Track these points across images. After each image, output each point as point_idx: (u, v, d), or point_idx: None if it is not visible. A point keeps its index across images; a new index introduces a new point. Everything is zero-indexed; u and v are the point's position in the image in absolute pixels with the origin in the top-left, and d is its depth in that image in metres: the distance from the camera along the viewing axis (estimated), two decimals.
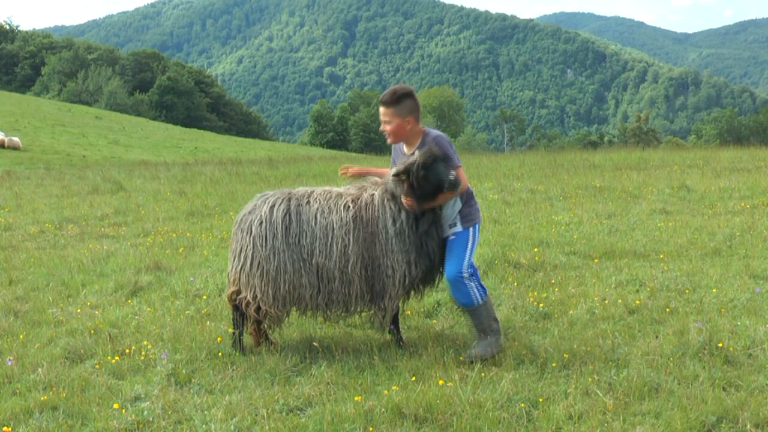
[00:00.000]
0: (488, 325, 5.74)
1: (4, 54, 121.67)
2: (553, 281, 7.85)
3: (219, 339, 6.28)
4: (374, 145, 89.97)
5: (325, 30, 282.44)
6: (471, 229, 5.72)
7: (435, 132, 5.66)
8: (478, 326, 5.76)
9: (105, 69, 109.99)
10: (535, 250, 9.24)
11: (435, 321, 6.78)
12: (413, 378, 5.33)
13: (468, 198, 5.75)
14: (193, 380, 5.50)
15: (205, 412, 4.91)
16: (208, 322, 6.81)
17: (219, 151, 53.24)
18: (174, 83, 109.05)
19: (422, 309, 7.08)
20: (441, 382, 5.19)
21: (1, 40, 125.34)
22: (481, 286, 5.75)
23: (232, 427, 4.70)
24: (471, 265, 5.70)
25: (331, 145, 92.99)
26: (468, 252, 5.67)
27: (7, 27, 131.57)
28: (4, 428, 4.79)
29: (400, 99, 5.63)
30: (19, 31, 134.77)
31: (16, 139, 43.32)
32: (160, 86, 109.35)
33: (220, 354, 5.96)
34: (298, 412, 4.92)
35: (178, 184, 19.79)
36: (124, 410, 4.99)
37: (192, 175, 22.49)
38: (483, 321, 5.74)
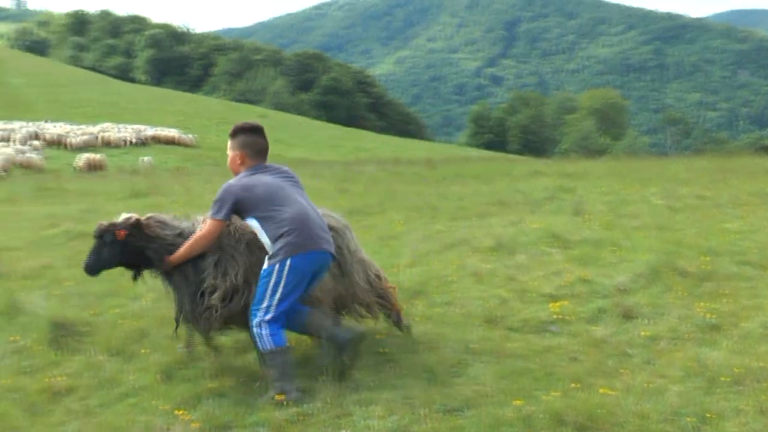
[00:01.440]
0: (281, 375, 5.26)
1: (178, 56, 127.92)
2: (723, 292, 7.52)
3: (379, 336, 6.38)
4: (533, 147, 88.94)
5: (485, 31, 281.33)
6: (276, 266, 5.28)
7: (239, 177, 5.50)
8: (270, 372, 5.33)
9: (270, 69, 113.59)
10: (704, 258, 8.87)
11: (597, 327, 6.63)
12: (574, 385, 5.24)
13: (281, 233, 5.33)
14: (353, 376, 5.61)
15: (365, 408, 4.98)
16: (368, 319, 6.92)
17: (378, 150, 54.05)
18: (336, 83, 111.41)
19: (584, 315, 6.95)
20: (603, 390, 5.07)
21: (174, 42, 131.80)
22: (279, 334, 5.29)
23: (390, 425, 4.74)
24: (277, 307, 5.26)
25: (489, 146, 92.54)
26: (268, 291, 5.27)
27: (181, 30, 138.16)
28: (177, 411, 5.03)
29: (236, 133, 5.62)
30: (191, 33, 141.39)
31: (188, 136, 45.52)
32: (322, 86, 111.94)
33: (380, 351, 6.05)
34: (456, 413, 4.92)
35: (339, 182, 20.22)
36: (287, 402, 5.15)
37: (352, 174, 22.93)
38: (276, 368, 5.27)
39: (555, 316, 6.95)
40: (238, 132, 5.68)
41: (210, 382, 5.51)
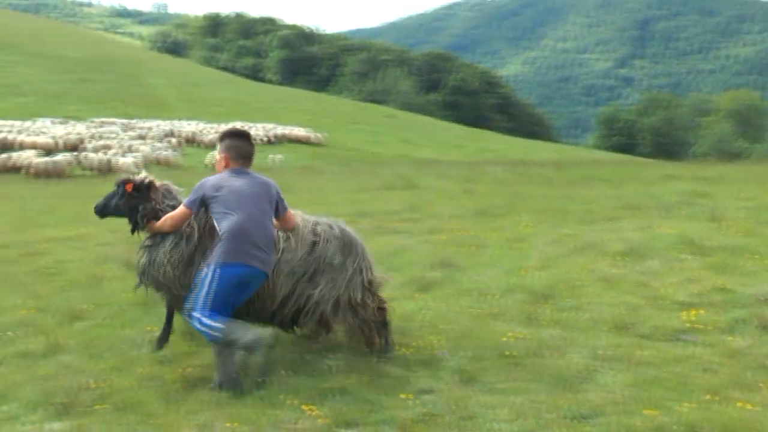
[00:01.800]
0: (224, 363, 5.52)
1: (307, 56, 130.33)
2: None
3: (505, 339, 6.33)
4: (665, 150, 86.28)
5: (617, 30, 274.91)
6: (206, 269, 5.54)
7: (216, 176, 5.91)
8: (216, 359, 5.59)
9: (397, 69, 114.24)
10: None
11: (734, 338, 6.37)
12: (709, 397, 5.05)
13: (220, 238, 5.63)
14: (479, 378, 5.58)
15: (490, 411, 4.95)
16: (494, 322, 6.89)
17: (504, 151, 53.62)
18: (463, 84, 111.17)
19: (721, 325, 6.70)
20: (741, 404, 4.87)
21: (304, 43, 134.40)
22: (209, 326, 5.43)
23: (516, 428, 4.70)
24: (210, 307, 5.48)
25: (619, 148, 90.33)
26: (202, 295, 5.49)
27: (311, 31, 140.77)
28: (304, 406, 5.13)
29: (224, 138, 6.12)
30: (321, 34, 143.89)
31: (317, 135, 46.36)
32: (449, 86, 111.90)
33: (506, 354, 6.01)
34: (584, 420, 4.82)
35: (465, 183, 20.16)
36: (412, 401, 5.17)
37: (478, 174, 22.82)
38: (220, 356, 5.52)
39: (689, 325, 6.72)
40: (225, 137, 6.15)
41: (337, 378, 5.58)
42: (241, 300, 5.76)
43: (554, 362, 5.81)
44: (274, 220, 5.96)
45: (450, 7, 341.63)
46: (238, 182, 5.83)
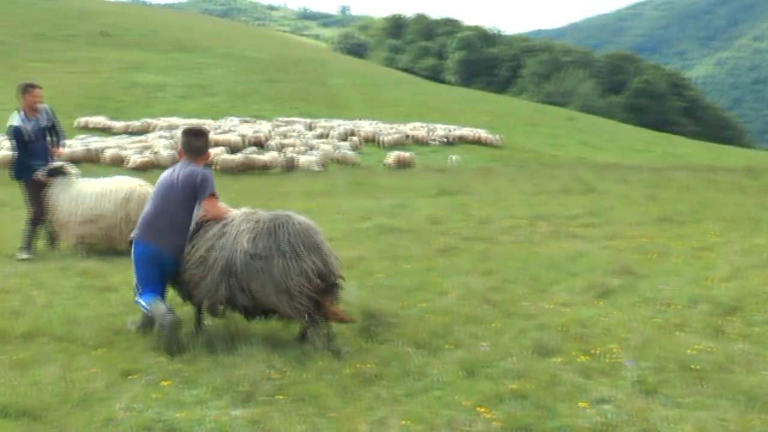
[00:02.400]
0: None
1: (487, 57, 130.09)
2: None
3: (689, 351, 6.07)
4: None
5: None
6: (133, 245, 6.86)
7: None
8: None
9: (579, 71, 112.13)
10: None
11: None
12: None
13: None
14: (660, 390, 5.38)
15: (673, 426, 4.76)
16: (678, 333, 6.62)
17: (690, 156, 51.46)
18: (648, 86, 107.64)
19: None
20: None
21: (485, 44, 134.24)
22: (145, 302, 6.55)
23: None
24: (143, 288, 6.69)
25: None
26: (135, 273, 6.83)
27: (492, 32, 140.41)
28: (479, 408, 5.11)
29: (182, 134, 7.22)
30: (502, 35, 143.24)
31: (495, 136, 46.17)
32: (633, 89, 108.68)
33: (691, 367, 5.75)
34: None
35: (648, 188, 19.52)
36: (590, 410, 5.05)
37: (663, 179, 22.03)
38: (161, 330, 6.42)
39: None
40: (182, 133, 7.24)
41: (512, 382, 5.53)
42: (160, 275, 6.72)
43: (744, 379, 5.51)
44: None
45: (635, 6, 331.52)
46: (166, 175, 6.92)
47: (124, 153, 32.27)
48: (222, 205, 6.87)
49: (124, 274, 9.40)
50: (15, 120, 11.25)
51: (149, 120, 44.66)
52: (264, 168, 31.57)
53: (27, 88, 11.30)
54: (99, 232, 11.44)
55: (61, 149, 11.85)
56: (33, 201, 11.42)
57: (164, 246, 6.64)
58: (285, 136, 40.02)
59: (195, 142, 6.97)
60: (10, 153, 31.57)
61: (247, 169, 31.05)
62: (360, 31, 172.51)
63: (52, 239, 11.97)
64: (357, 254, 10.43)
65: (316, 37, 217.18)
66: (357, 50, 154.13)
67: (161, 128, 42.07)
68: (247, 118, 47.96)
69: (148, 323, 6.72)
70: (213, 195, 6.75)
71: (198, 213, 6.82)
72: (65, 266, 10.10)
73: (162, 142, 35.89)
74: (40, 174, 11.14)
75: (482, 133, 46.72)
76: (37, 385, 5.44)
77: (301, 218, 6.59)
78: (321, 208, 16.39)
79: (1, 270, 10.01)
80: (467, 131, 46.89)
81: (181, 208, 6.69)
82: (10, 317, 7.24)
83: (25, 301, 7.98)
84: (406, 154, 34.50)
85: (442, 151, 40.21)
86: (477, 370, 5.82)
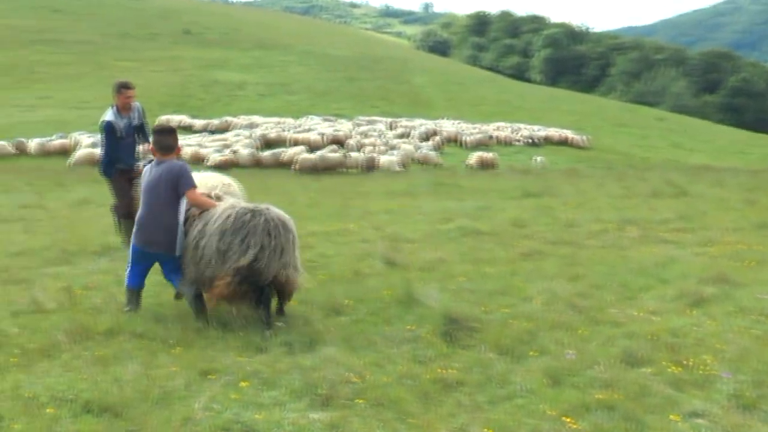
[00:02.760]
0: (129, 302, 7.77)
1: (574, 55, 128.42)
2: None
3: None
4: None
5: None
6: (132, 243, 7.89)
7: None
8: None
9: (671, 70, 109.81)
10: None
11: None
12: None
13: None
14: (759, 406, 5.21)
15: None
16: None
17: None
18: (746, 84, 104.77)
19: None
20: None
21: (572, 42, 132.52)
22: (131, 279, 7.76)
23: None
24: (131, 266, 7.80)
25: None
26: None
27: (579, 29, 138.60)
28: (564, 418, 5.03)
29: (153, 132, 8.02)
30: (590, 33, 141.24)
31: (581, 137, 45.55)
32: (729, 87, 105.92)
33: None
34: None
35: (745, 192, 18.99)
36: (681, 424, 4.92)
37: (762, 183, 21.41)
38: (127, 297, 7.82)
39: None
40: (153, 132, 7.94)
41: (599, 392, 5.44)
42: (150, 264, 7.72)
43: None
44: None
45: (733, 0, 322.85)
46: (151, 174, 7.56)
47: (203, 151, 32.87)
48: (202, 194, 7.68)
49: None
50: (108, 115, 11.57)
51: (229, 118, 45.37)
52: (342, 167, 31.77)
53: (121, 88, 11.62)
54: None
55: (149, 145, 12.12)
56: (120, 195, 11.72)
57: (152, 249, 7.57)
58: (365, 135, 40.19)
59: (165, 141, 7.71)
60: (89, 151, 32.75)
61: (327, 168, 31.29)
62: (443, 29, 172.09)
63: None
64: (438, 257, 10.42)
65: (398, 34, 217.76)
66: (439, 48, 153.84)
67: (241, 127, 42.70)
68: (328, 117, 48.35)
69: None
70: (194, 186, 7.50)
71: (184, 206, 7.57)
72: None
73: (241, 141, 36.49)
74: (140, 165, 11.37)
75: (569, 134, 46.10)
76: (119, 382, 5.58)
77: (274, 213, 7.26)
78: (401, 209, 16.41)
79: (84, 267, 10.30)
80: (553, 132, 46.32)
81: (169, 204, 7.45)
82: (93, 314, 7.43)
83: (107, 299, 8.18)
84: (489, 155, 34.26)
85: (526, 152, 39.81)
86: (562, 379, 5.74)
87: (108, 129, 11.52)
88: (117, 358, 6.23)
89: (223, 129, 42.86)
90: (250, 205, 7.35)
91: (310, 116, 48.46)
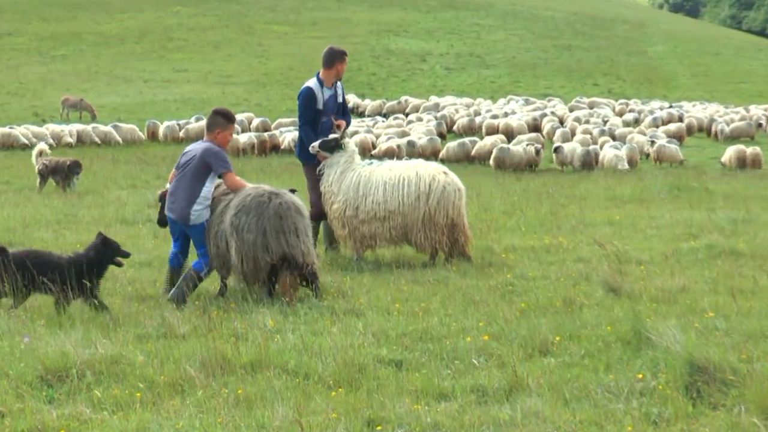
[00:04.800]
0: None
1: None
2: None
3: None
4: None
5: None
6: None
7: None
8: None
9: None
10: None
11: None
12: None
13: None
14: None
15: None
16: None
17: None
18: None
19: None
20: None
21: None
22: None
23: None
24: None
25: None
26: None
27: None
28: None
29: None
30: None
31: None
32: None
33: None
34: None
35: None
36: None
37: None
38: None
39: None
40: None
41: None
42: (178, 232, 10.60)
43: None
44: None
45: None
46: (185, 154, 10.60)
47: (377, 140, 33.48)
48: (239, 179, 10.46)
49: (372, 294, 9.78)
50: (310, 83, 12.21)
51: (408, 98, 46.02)
52: (551, 164, 31.55)
53: (341, 55, 12.27)
54: (389, 234, 11.85)
55: (342, 121, 12.44)
56: (313, 189, 12.12)
57: (169, 212, 10.45)
58: (583, 121, 39.78)
59: (209, 121, 10.67)
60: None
61: (531, 165, 31.18)
62: None
63: (330, 239, 12.69)
64: (679, 284, 10.18)
65: None
66: (687, 6, 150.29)
67: (423, 110, 43.21)
68: (533, 99, 48.18)
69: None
70: (230, 170, 10.33)
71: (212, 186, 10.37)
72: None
73: (421, 128, 36.78)
74: (315, 145, 11.80)
75: None
76: (265, 429, 5.75)
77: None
78: (629, 220, 16.17)
79: (229, 282, 10.69)
80: None
81: (192, 179, 10.20)
82: (235, 341, 7.71)
83: (252, 324, 8.45)
84: (752, 150, 33.09)
85: None
86: None
87: (306, 96, 12.05)
88: (263, 398, 6.43)
89: (400, 112, 43.52)
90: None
91: (511, 97, 48.49)
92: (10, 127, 36.36)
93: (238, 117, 37.80)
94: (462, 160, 32.47)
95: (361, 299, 9.65)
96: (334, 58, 12.10)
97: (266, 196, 9.86)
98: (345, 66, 12.29)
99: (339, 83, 12.39)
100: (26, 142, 34.37)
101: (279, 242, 9.71)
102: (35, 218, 16.31)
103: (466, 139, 34.48)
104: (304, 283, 10.04)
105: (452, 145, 33.50)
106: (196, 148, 10.42)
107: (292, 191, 10.46)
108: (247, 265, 9.79)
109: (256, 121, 40.52)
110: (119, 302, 9.75)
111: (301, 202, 10.20)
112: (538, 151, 31.37)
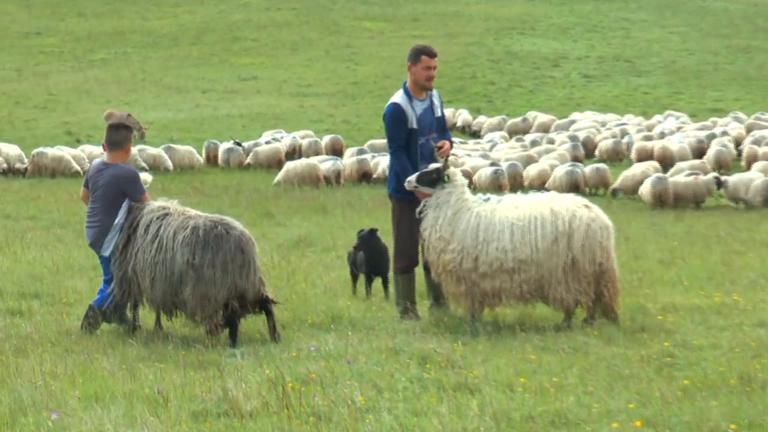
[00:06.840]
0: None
1: None
2: None
3: None
4: None
5: None
6: None
7: None
8: None
9: None
10: None
11: None
12: None
13: None
14: None
15: None
16: None
17: None
18: None
19: None
20: None
21: None
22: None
23: None
24: None
25: None
26: None
27: None
28: None
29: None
30: None
31: None
32: None
33: None
34: None
35: None
36: None
37: None
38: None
39: None
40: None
41: None
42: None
43: None
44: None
45: None
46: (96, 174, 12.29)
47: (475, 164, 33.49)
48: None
49: (490, 364, 9.72)
50: (396, 97, 11.81)
51: (537, 114, 45.90)
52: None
53: (420, 55, 11.77)
54: (518, 290, 11.56)
55: (446, 143, 12.13)
56: (410, 234, 11.86)
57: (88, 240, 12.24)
58: (764, 143, 39.26)
59: (114, 135, 12.17)
60: (308, 162, 33.71)
61: (692, 199, 30.85)
62: None
63: (436, 294, 12.38)
64: None
65: None
66: None
67: (555, 128, 43.05)
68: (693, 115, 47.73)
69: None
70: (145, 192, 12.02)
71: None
72: (398, 347, 10.53)
73: (552, 151, 36.51)
74: (412, 179, 11.41)
75: None
76: None
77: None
78: None
79: (299, 345, 10.72)
80: None
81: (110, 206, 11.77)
82: (316, 422, 7.71)
83: (338, 400, 8.42)
84: None
85: None
86: None
87: (393, 115, 11.66)
88: None
89: (525, 131, 43.42)
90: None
91: (669, 112, 48.14)
92: (59, 149, 36.51)
93: (308, 136, 37.95)
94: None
95: (475, 371, 9.58)
96: (414, 57, 11.72)
97: (221, 228, 11.16)
98: (432, 65, 11.66)
99: (435, 92, 11.97)
100: (78, 169, 34.16)
101: (242, 278, 11.03)
102: (68, 263, 16.54)
103: (604, 166, 34.28)
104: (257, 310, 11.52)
105: (587, 170, 33.16)
106: (107, 171, 11.92)
107: (373, 231, 10.52)
108: (205, 303, 10.98)
109: (325, 139, 40.78)
110: (171, 369, 9.82)
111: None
112: (720, 183, 31.00)
